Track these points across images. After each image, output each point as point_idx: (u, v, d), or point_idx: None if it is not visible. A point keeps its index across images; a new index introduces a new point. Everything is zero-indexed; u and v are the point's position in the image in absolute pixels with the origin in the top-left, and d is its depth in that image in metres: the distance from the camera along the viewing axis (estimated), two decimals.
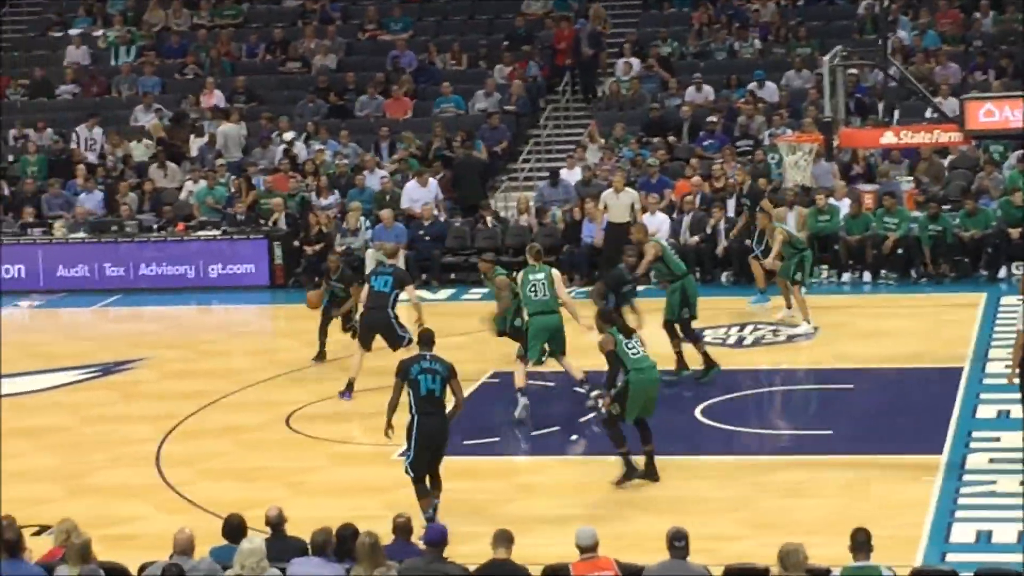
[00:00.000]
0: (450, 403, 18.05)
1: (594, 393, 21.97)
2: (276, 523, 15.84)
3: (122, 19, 41.53)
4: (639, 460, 19.36)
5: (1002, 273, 30.45)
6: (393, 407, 17.92)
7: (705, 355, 23.71)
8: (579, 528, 14.71)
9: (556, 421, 22.54)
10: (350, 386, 23.62)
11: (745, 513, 18.42)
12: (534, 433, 22.08)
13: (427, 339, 18.35)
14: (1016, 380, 19.53)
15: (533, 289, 22.52)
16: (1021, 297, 20.14)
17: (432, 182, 33.56)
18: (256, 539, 15.12)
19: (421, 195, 33.42)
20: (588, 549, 14.49)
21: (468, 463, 20.80)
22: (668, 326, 23.84)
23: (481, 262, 25.45)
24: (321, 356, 25.83)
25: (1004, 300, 28.24)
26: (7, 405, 24.71)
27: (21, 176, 36.28)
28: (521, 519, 17.03)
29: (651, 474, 19.56)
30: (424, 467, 17.80)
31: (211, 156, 35.94)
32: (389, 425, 18.00)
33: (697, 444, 21.62)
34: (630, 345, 19.40)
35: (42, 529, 17.26)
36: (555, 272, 22.93)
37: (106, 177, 35.96)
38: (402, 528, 15.68)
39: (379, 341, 23.71)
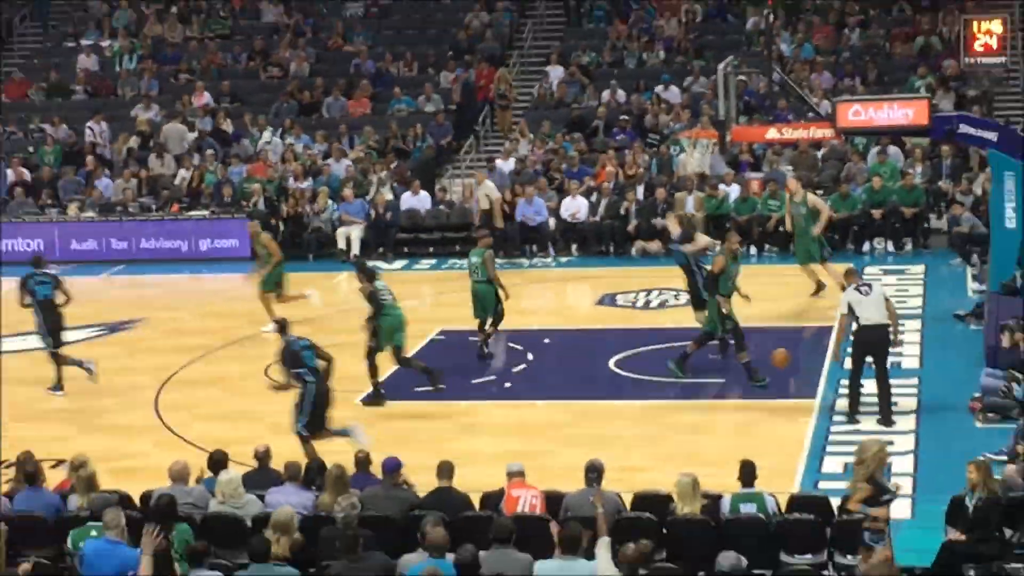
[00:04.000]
0: None
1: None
2: (262, 458, 15.84)
3: (125, 32, 41.24)
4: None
5: (866, 247, 30.62)
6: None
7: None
8: (509, 463, 14.79)
9: (492, 372, 22.55)
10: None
11: (653, 448, 18.50)
12: (474, 381, 22.11)
13: (36, 261, 22.47)
14: (836, 359, 19.84)
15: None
16: (845, 285, 19.98)
17: (423, 193, 33.20)
18: (232, 471, 15.11)
19: (414, 202, 33.11)
20: (516, 475, 14.55)
21: (418, 406, 20.88)
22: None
23: (250, 225, 25.88)
24: None
25: (867, 269, 28.37)
26: (29, 359, 24.59)
27: (40, 164, 36.08)
28: (464, 453, 17.04)
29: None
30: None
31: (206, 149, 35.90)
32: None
33: (613, 390, 21.67)
34: (382, 291, 20.68)
35: (59, 463, 17.16)
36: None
37: (111, 166, 35.84)
38: (362, 462, 15.66)
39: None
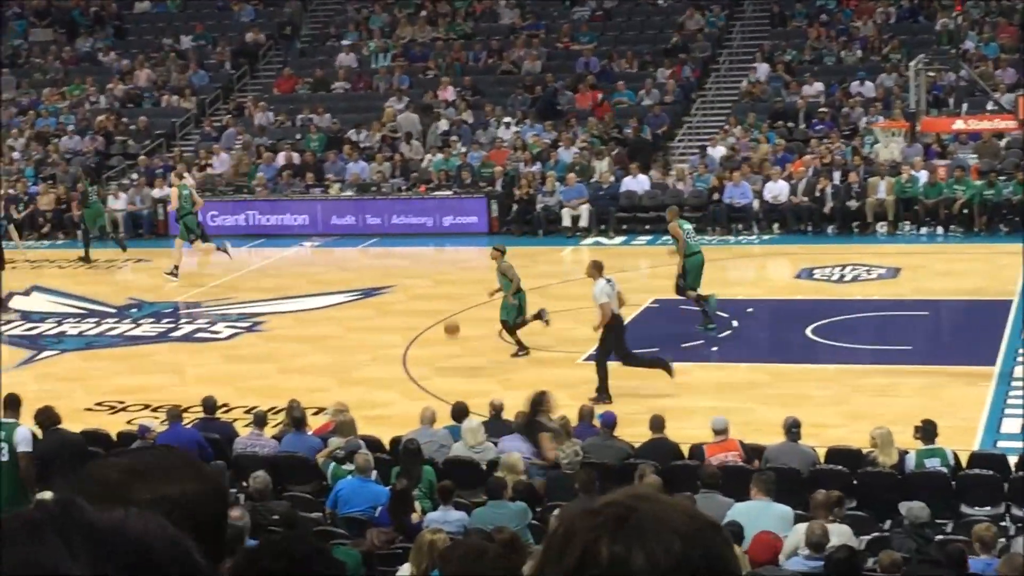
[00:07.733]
0: None
1: None
2: (497, 410, 16.03)
3: (380, 33, 41.79)
4: None
5: None
6: None
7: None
8: (713, 416, 14.71)
9: (700, 337, 22.40)
10: None
11: (843, 407, 18.27)
12: (684, 345, 22.01)
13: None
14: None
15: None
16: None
17: (643, 176, 32.91)
18: (474, 420, 15.30)
19: (634, 184, 32.83)
20: (720, 432, 14.48)
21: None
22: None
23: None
24: None
25: None
26: (294, 320, 25.15)
27: (305, 149, 36.73)
28: (674, 408, 17.01)
29: None
30: None
31: (444, 136, 36.20)
32: None
33: (808, 356, 21.42)
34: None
35: (319, 410, 17.54)
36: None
37: (368, 151, 36.32)
38: (586, 414, 15.77)
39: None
